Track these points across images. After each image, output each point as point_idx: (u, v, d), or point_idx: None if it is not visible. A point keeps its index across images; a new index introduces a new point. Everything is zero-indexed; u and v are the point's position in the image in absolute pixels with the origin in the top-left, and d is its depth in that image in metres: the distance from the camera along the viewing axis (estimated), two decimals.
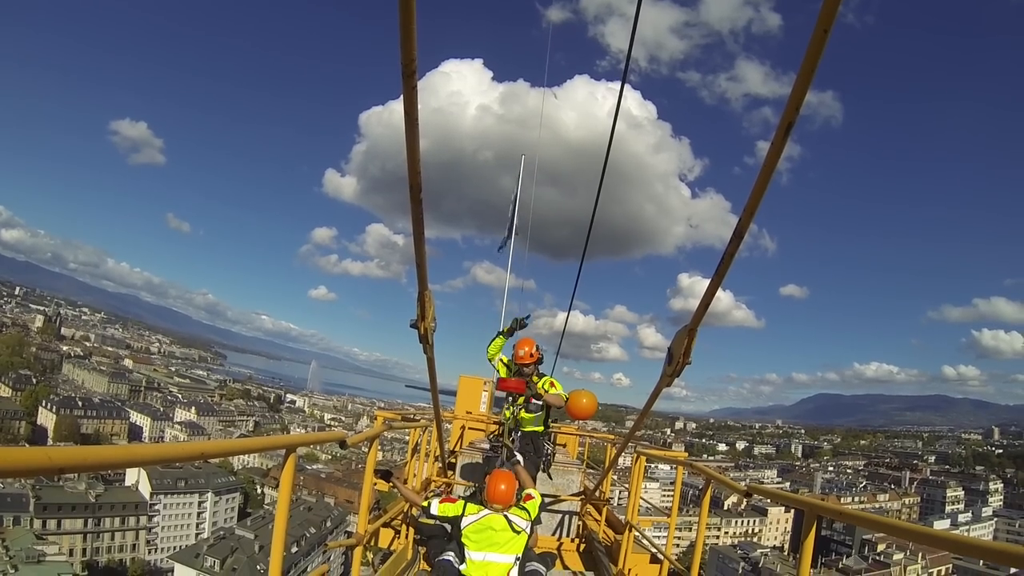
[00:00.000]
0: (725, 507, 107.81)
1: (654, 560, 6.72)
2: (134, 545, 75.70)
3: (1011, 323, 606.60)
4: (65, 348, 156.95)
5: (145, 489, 78.68)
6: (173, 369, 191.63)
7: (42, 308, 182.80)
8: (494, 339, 7.25)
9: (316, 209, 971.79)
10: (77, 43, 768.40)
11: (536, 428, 7.26)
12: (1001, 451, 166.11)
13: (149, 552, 76.92)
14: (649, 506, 8.84)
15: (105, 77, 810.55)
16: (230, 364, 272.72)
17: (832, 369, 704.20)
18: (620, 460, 7.51)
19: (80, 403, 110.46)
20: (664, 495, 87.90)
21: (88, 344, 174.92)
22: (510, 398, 7.13)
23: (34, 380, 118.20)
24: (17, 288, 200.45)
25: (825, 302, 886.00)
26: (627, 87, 5.33)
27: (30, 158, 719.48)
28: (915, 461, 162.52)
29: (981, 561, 77.35)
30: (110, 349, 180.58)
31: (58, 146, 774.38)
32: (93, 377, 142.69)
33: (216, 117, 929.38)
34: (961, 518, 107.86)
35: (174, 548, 72.40)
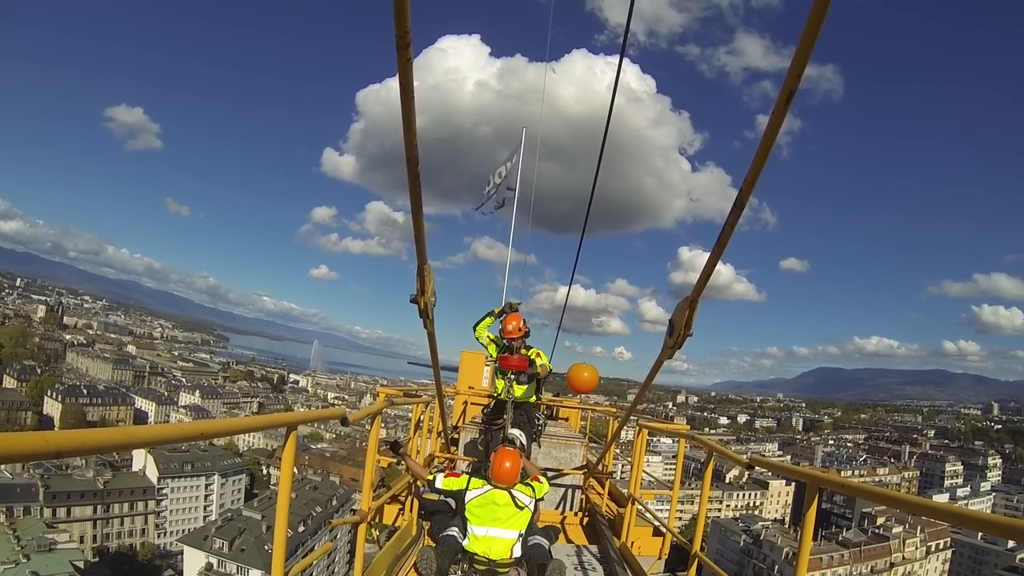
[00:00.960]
0: (727, 480, 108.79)
1: (657, 533, 6.80)
2: (143, 530, 76.42)
3: (1011, 299, 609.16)
4: (68, 337, 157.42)
5: (152, 474, 79.21)
6: (176, 353, 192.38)
7: (44, 298, 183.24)
8: (483, 318, 7.26)
9: (315, 188, 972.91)
10: (69, 31, 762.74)
11: (529, 400, 7.52)
12: (1000, 427, 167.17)
13: (158, 536, 77.67)
14: (651, 479, 8.89)
15: (99, 64, 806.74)
16: (233, 346, 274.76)
17: (833, 343, 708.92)
18: (622, 434, 7.54)
19: (85, 391, 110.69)
20: (666, 468, 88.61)
21: (91, 332, 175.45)
22: (500, 372, 7.24)
23: (39, 370, 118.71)
24: (18, 279, 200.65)
25: (826, 276, 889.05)
26: (626, 61, 5.25)
27: (26, 148, 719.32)
28: (915, 435, 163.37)
29: (979, 535, 78.08)
30: (113, 336, 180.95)
31: (54, 135, 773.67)
32: (97, 365, 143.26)
33: (213, 100, 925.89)
34: (960, 492, 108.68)
35: (183, 531, 73.17)
